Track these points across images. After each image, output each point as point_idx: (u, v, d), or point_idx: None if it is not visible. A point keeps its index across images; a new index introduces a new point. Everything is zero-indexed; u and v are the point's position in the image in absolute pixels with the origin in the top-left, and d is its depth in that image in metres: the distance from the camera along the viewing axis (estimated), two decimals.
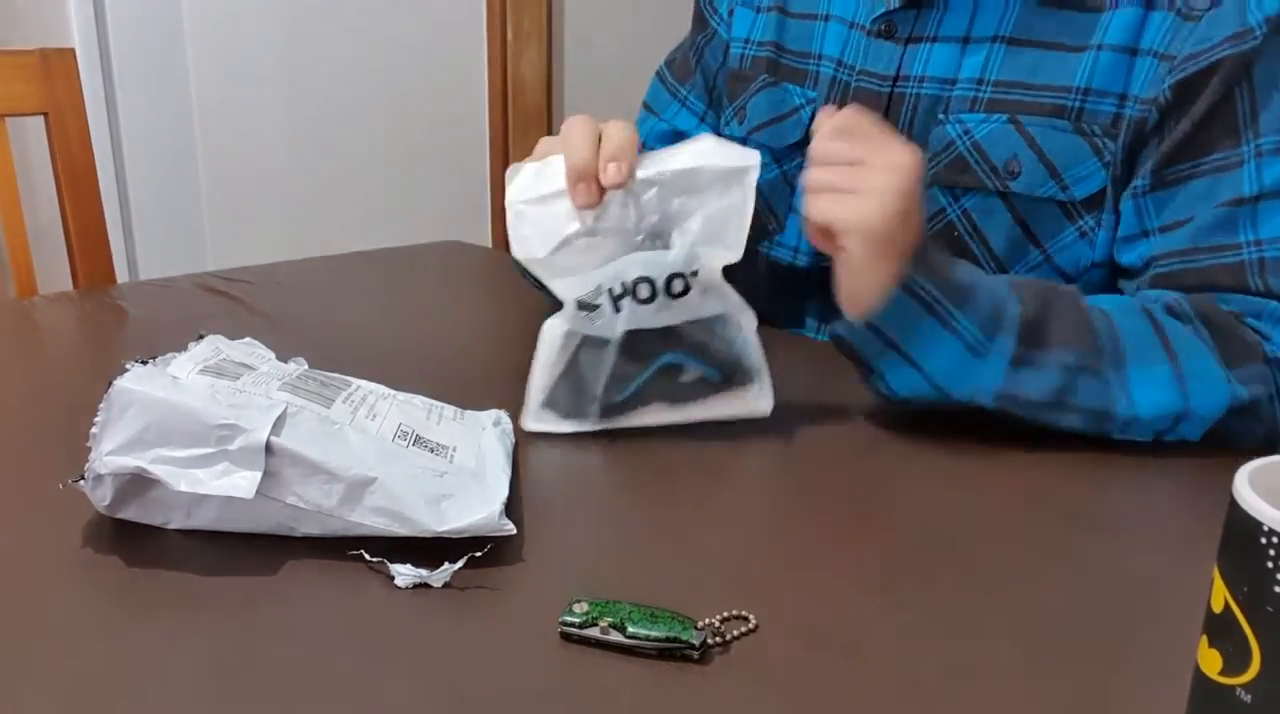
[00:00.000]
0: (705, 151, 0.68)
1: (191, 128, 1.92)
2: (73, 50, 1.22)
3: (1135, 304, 0.73)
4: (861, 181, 0.67)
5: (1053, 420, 0.69)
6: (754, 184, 0.67)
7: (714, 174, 0.68)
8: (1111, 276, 0.83)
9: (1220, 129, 0.74)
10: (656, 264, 0.68)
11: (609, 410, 0.70)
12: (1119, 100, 0.77)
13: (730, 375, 0.71)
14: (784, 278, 0.95)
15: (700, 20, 1.03)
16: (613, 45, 2.24)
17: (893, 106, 0.85)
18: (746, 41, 0.98)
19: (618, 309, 0.69)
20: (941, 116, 0.83)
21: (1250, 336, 0.71)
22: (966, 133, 0.82)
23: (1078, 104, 0.78)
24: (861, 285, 0.69)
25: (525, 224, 0.69)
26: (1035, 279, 0.76)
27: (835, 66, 0.90)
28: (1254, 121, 0.73)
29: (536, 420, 0.70)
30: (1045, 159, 0.79)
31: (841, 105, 0.86)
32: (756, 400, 0.71)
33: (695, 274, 0.68)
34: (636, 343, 0.69)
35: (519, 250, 0.70)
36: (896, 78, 0.85)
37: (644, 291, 0.68)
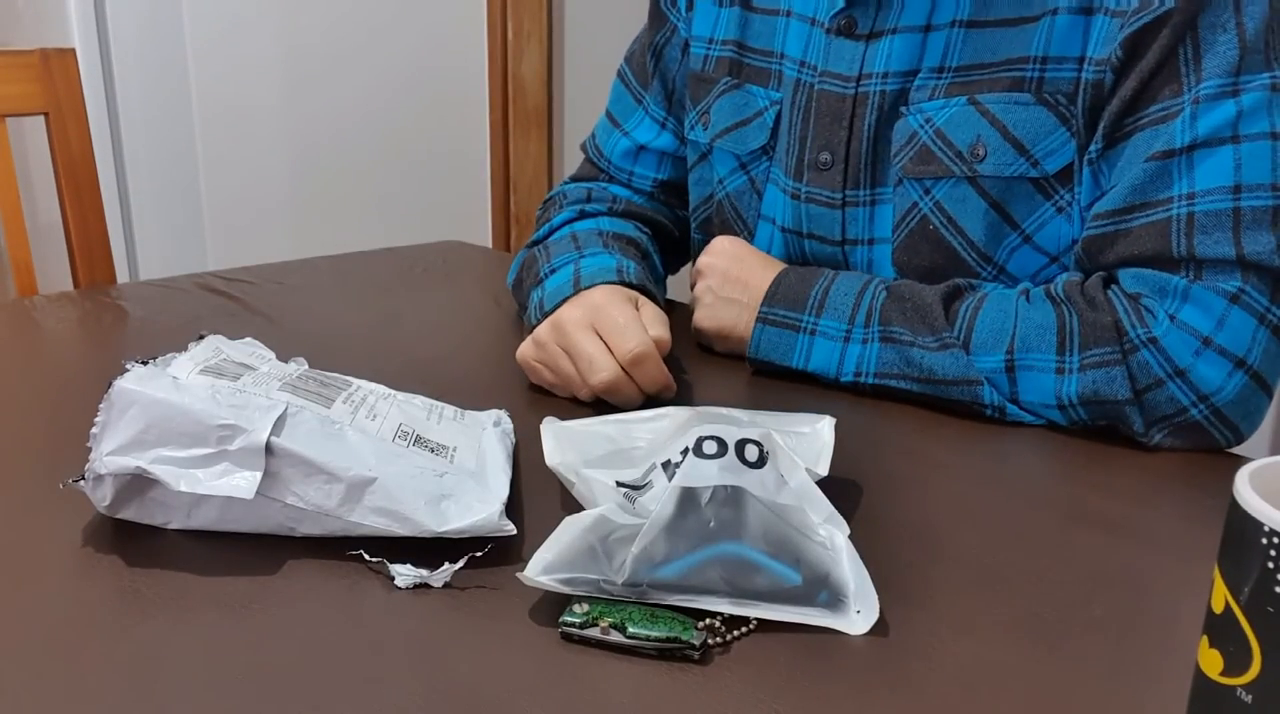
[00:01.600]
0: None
1: (192, 127, 1.92)
2: (73, 50, 1.22)
3: (1013, 293, 0.76)
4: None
5: (930, 392, 0.77)
6: (832, 433, 0.62)
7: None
8: None
9: (1163, 80, 0.71)
10: (727, 430, 0.54)
11: (636, 583, 0.50)
12: (1077, 64, 0.75)
13: (813, 587, 0.51)
14: None
15: (658, 16, 0.99)
16: (613, 45, 2.24)
17: (857, 108, 0.83)
18: (710, 41, 0.94)
19: (671, 477, 0.53)
20: (903, 109, 0.81)
21: (1115, 319, 0.71)
22: (928, 121, 0.80)
23: (1037, 73, 0.76)
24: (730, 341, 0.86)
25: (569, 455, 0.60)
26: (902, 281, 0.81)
27: (798, 67, 0.87)
28: (1196, 69, 0.70)
29: (538, 574, 0.50)
30: (1010, 136, 0.77)
31: (806, 109, 0.86)
32: (849, 622, 0.50)
33: (770, 454, 0.54)
34: (689, 515, 0.51)
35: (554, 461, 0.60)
36: (860, 77, 0.83)
37: (710, 447, 0.53)
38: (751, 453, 0.53)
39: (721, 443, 0.53)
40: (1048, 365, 0.72)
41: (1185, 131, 0.70)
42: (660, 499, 0.51)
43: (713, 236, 0.95)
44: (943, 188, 0.80)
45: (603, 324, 0.76)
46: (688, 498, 0.51)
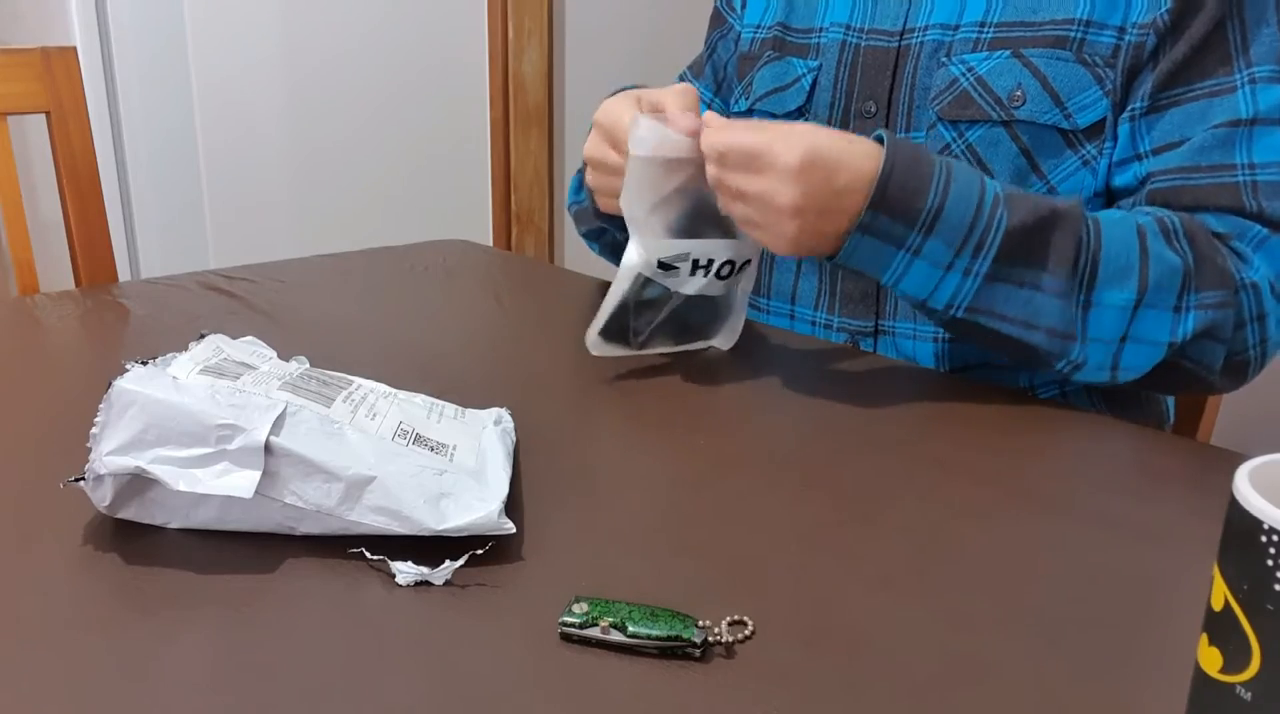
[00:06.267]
0: None
1: (193, 126, 1.92)
2: (74, 49, 1.22)
3: (1131, 220, 0.76)
4: (760, 216, 0.72)
5: (1018, 334, 0.74)
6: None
7: None
8: (1110, 204, 0.86)
9: (1214, 56, 0.78)
10: (739, 248, 0.80)
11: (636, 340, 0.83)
12: (1118, 32, 0.80)
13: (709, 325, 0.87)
14: None
15: (717, 18, 1.10)
16: (614, 43, 2.24)
17: (900, 59, 0.89)
18: (757, 27, 1.03)
19: (694, 274, 0.79)
20: (944, 59, 0.87)
21: (1227, 263, 0.75)
22: (969, 70, 0.85)
23: (1079, 35, 0.81)
24: (814, 250, 0.74)
25: (635, 178, 0.76)
26: (1033, 194, 0.75)
27: (844, 30, 0.94)
28: (1245, 52, 0.77)
29: (597, 347, 0.82)
30: (1049, 87, 0.82)
31: (853, 66, 0.93)
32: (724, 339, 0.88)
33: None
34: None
35: (626, 201, 0.76)
36: (904, 31, 0.89)
37: (726, 270, 0.80)
38: (746, 264, 0.83)
39: (733, 265, 0.81)
40: (1160, 335, 0.74)
41: (1248, 105, 0.76)
42: (680, 285, 0.80)
43: None
44: (977, 131, 0.85)
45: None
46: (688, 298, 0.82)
